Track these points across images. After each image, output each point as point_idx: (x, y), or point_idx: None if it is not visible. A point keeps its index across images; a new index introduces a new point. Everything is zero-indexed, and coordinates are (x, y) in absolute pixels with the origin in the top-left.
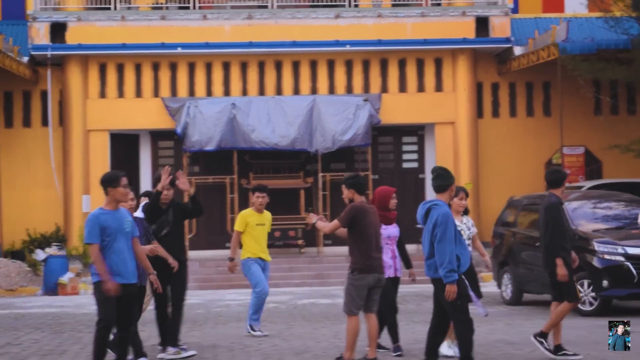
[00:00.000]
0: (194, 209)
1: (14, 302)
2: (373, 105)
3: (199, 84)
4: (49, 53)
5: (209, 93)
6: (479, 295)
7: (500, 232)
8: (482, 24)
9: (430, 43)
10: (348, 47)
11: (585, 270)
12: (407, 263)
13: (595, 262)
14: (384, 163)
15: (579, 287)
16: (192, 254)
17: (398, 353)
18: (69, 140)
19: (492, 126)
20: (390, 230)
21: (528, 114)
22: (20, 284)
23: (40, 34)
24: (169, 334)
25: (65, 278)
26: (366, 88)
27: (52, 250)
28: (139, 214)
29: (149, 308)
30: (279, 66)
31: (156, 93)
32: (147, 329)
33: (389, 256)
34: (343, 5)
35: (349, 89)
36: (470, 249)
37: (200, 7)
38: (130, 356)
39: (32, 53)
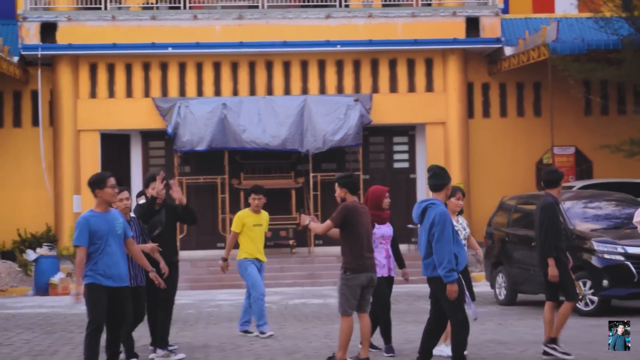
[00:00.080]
0: (188, 218)
1: (5, 303)
2: (364, 106)
3: (189, 84)
4: (39, 53)
5: (200, 93)
6: (472, 297)
7: (494, 232)
8: (472, 24)
9: (420, 43)
10: (339, 47)
11: (585, 269)
12: (400, 263)
13: (595, 262)
14: (375, 163)
15: (581, 285)
16: (183, 254)
17: (390, 354)
18: (60, 140)
19: (482, 126)
20: (384, 230)
21: (519, 114)
22: (11, 284)
23: (30, 33)
24: (158, 336)
25: (56, 278)
26: (357, 88)
27: (43, 250)
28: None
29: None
30: (269, 66)
31: (147, 93)
32: (139, 329)
33: (382, 255)
34: (334, 6)
35: (340, 89)
36: (466, 249)
37: (190, 7)
38: (122, 356)
39: (23, 53)
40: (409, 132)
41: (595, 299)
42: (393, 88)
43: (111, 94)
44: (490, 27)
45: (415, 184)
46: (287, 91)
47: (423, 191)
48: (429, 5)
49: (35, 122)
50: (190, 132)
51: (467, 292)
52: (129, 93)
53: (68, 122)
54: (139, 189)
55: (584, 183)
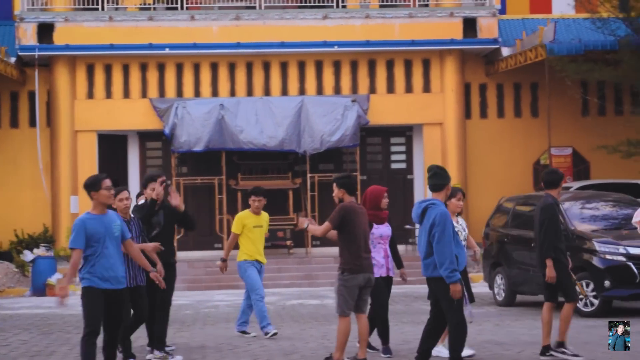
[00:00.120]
0: (186, 224)
1: (2, 303)
2: (361, 106)
3: (186, 85)
4: (36, 54)
5: (197, 94)
6: (471, 299)
7: (492, 233)
8: (469, 24)
9: (418, 44)
10: (336, 48)
11: (587, 270)
12: (399, 263)
13: (597, 263)
14: (372, 164)
15: (582, 285)
16: (180, 255)
17: (387, 355)
18: (57, 141)
19: (480, 127)
20: (382, 230)
21: (516, 115)
22: (8, 285)
23: (27, 34)
24: (155, 338)
25: (53, 279)
26: (354, 89)
27: (40, 251)
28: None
29: None
30: (267, 67)
31: (144, 94)
32: (137, 329)
33: (381, 255)
34: (331, 6)
35: (337, 90)
36: (465, 250)
37: (187, 8)
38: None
39: (20, 54)
40: (407, 132)
41: (596, 299)
42: (390, 89)
43: (108, 94)
44: (488, 27)
45: (413, 184)
46: (284, 92)
47: (420, 192)
48: (426, 5)
49: (32, 122)
50: (187, 132)
51: (465, 294)
52: (126, 94)
53: (65, 123)
54: (137, 190)
55: (581, 184)
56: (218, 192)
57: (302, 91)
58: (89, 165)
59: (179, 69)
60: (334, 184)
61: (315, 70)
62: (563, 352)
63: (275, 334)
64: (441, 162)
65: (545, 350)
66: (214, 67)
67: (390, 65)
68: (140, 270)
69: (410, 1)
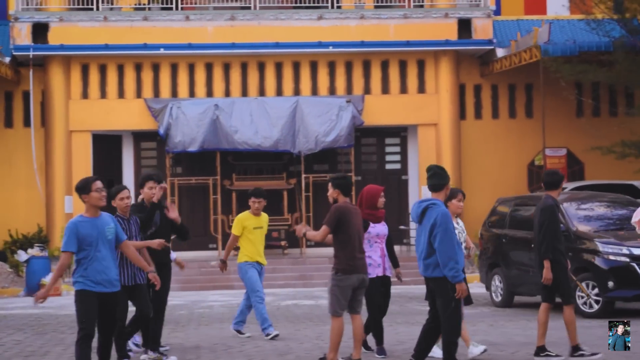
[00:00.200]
0: (181, 235)
1: None
2: (356, 107)
3: (181, 85)
4: (30, 53)
5: (192, 94)
6: (469, 301)
7: (489, 234)
8: (464, 25)
9: (412, 45)
10: (331, 49)
11: (589, 271)
12: (395, 262)
13: (600, 263)
14: (367, 164)
15: (584, 286)
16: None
17: (382, 356)
18: (51, 141)
19: (474, 128)
20: (379, 229)
21: (510, 116)
22: (2, 285)
23: (22, 34)
24: (150, 338)
25: (47, 279)
26: (349, 89)
27: (35, 251)
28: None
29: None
30: (261, 67)
31: (139, 94)
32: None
33: (377, 255)
34: (326, 7)
35: (332, 90)
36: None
37: (182, 8)
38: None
39: (14, 53)
40: (401, 133)
41: (598, 300)
42: (385, 89)
43: (103, 94)
44: (482, 28)
45: (407, 185)
46: (279, 92)
47: (415, 192)
48: (421, 6)
49: (26, 122)
50: (182, 133)
51: None
52: (121, 94)
53: (60, 123)
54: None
55: (576, 185)
56: (213, 193)
57: (296, 92)
58: (84, 166)
59: (174, 69)
60: (330, 184)
61: (310, 70)
62: (581, 355)
63: (276, 335)
64: (436, 163)
65: (540, 351)
66: (209, 68)
67: (385, 66)
68: (139, 269)
69: (405, 2)
